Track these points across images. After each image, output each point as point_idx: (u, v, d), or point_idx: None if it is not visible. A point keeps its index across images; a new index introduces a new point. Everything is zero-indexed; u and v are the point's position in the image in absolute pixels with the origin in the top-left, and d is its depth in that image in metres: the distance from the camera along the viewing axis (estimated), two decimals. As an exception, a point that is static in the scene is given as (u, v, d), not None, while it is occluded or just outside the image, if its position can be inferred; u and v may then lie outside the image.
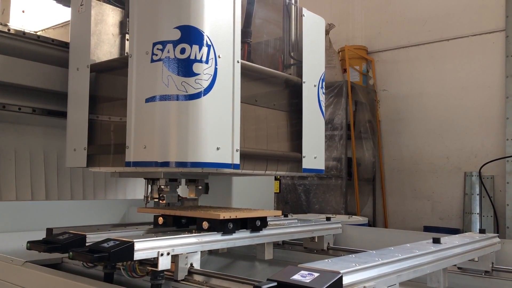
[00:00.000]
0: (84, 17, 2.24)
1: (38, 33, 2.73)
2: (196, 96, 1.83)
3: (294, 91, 2.42)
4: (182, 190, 2.34)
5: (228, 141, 1.94)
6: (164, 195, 2.18)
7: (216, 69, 1.89)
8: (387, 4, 6.87)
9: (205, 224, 1.96)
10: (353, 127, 6.40)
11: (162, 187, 2.16)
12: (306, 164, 2.37)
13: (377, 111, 6.86)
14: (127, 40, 2.35)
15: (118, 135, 2.09)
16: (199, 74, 1.84)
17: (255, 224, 2.12)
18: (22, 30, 2.47)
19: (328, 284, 1.22)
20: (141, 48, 1.90)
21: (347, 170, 6.23)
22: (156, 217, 2.19)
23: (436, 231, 5.45)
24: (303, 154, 2.36)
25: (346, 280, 1.28)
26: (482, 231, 2.35)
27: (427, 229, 5.88)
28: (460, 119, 6.09)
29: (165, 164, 1.84)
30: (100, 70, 2.22)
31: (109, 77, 2.24)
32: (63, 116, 2.37)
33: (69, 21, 2.38)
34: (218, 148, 1.89)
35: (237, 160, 1.97)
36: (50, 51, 2.51)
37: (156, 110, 1.85)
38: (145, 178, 2.25)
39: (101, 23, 2.26)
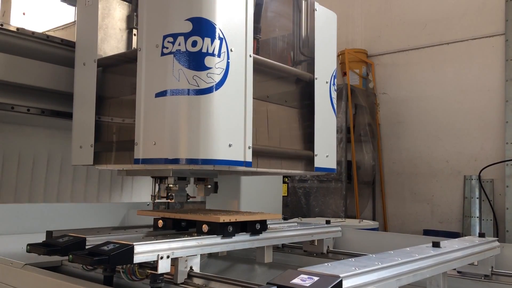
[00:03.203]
0: (91, 11, 2.18)
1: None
2: (208, 90, 1.77)
3: (306, 88, 2.35)
4: (190, 190, 2.26)
5: (240, 137, 1.88)
6: (173, 194, 2.12)
7: (228, 63, 1.84)
8: (387, 7, 6.88)
9: (205, 227, 1.96)
10: (353, 130, 6.41)
11: (171, 186, 2.10)
12: (318, 163, 2.30)
13: (377, 115, 6.87)
14: (134, 35, 2.30)
15: (126, 132, 2.03)
16: (211, 68, 1.79)
17: (254, 227, 2.12)
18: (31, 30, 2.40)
19: (327, 288, 1.22)
20: (150, 41, 1.85)
21: (347, 173, 6.23)
22: (156, 220, 2.19)
23: (435, 234, 5.47)
24: (315, 153, 2.29)
25: (345, 284, 1.28)
26: (481, 235, 2.34)
27: (427, 232, 5.88)
28: (460, 122, 6.09)
29: (176, 161, 1.78)
30: (108, 65, 2.16)
31: (117, 71, 2.18)
32: (70, 117, 2.30)
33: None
34: (230, 145, 1.83)
35: (249, 158, 1.91)
36: (59, 51, 2.46)
37: (166, 105, 1.79)
38: (152, 177, 2.19)
39: (108, 17, 2.21)
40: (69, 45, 2.45)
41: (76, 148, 2.16)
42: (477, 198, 5.77)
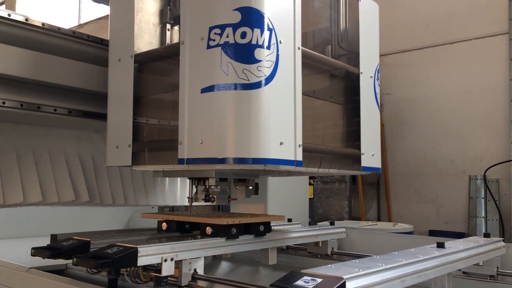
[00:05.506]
0: (126, 5, 2.10)
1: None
2: (258, 85, 1.67)
3: (350, 83, 2.25)
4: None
5: (291, 135, 1.77)
6: (214, 196, 2.04)
7: (278, 55, 1.74)
8: (390, 8, 6.87)
9: (209, 230, 1.96)
10: (357, 131, 6.40)
11: (212, 187, 2.01)
12: (365, 162, 2.19)
13: (381, 115, 6.85)
14: (168, 30, 2.24)
15: (167, 131, 1.94)
16: (261, 60, 1.68)
17: (258, 229, 2.12)
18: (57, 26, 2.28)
19: (331, 290, 1.22)
20: (195, 33, 1.74)
21: (351, 174, 6.23)
22: (159, 223, 2.20)
23: (441, 235, 5.44)
24: (362, 151, 2.18)
25: (349, 285, 1.28)
26: (487, 235, 2.33)
27: (432, 233, 5.86)
28: (464, 122, 6.07)
29: (224, 160, 1.67)
30: (145, 61, 2.06)
31: (155, 68, 2.09)
32: (99, 117, 2.23)
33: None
34: (281, 143, 1.72)
35: (299, 157, 1.80)
36: (85, 48, 2.36)
37: (213, 101, 1.68)
38: (189, 178, 2.10)
39: (141, 11, 2.13)
40: (96, 42, 2.38)
41: (112, 148, 2.04)
42: (483, 198, 5.74)
